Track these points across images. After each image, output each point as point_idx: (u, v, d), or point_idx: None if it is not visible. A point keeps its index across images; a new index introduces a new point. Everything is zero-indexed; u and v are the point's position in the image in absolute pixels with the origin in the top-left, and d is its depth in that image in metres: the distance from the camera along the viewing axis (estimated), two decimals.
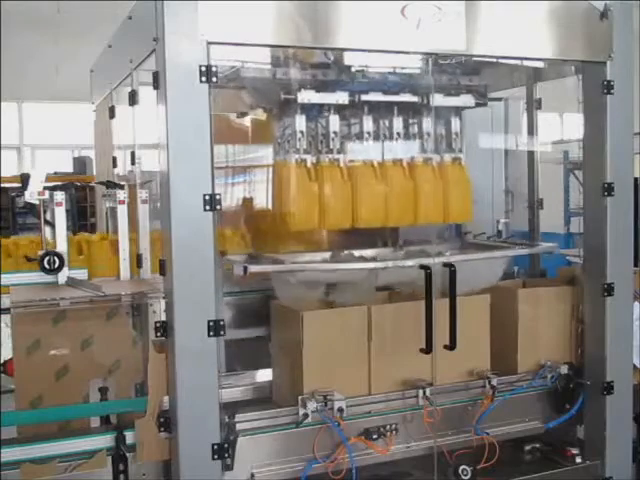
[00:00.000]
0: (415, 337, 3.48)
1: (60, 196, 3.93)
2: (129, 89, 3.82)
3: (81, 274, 3.93)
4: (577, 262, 4.13)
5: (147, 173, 4.05)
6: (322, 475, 3.38)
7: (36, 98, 15.91)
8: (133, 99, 3.82)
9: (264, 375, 3.74)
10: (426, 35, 3.35)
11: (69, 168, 15.44)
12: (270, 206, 3.99)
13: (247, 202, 4.29)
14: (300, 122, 3.71)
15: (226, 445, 3.14)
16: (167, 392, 3.17)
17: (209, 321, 3.04)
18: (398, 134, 3.93)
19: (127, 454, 3.23)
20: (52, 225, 3.92)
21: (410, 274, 3.60)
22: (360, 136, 3.88)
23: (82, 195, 13.36)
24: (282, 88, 3.62)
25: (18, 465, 3.12)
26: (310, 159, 3.72)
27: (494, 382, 3.67)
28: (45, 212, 3.91)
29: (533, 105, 4.55)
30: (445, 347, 3.51)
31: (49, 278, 3.83)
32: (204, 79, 2.99)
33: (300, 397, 3.35)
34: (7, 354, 3.64)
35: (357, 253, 3.90)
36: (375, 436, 3.47)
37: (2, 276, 3.72)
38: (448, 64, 3.81)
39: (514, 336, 3.88)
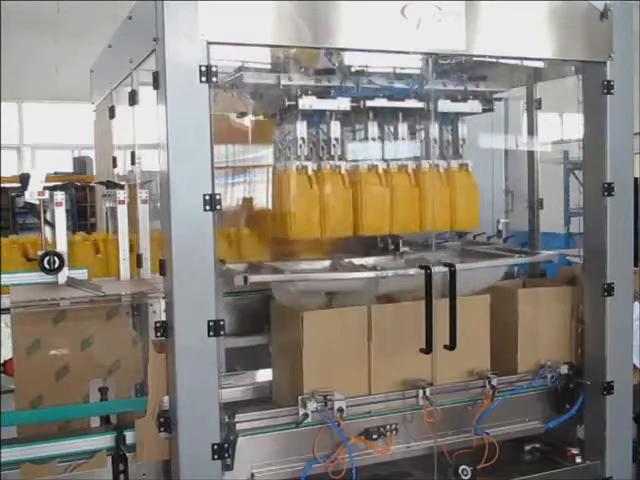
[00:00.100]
0: (415, 337, 3.48)
1: (60, 196, 3.93)
2: (129, 89, 3.82)
3: (81, 274, 3.92)
4: (577, 262, 4.13)
5: (147, 173, 4.05)
6: (322, 475, 3.38)
7: (36, 98, 15.90)
8: (133, 99, 3.82)
9: (264, 375, 3.74)
10: (426, 35, 3.35)
11: (69, 168, 15.42)
12: (270, 207, 3.99)
13: (247, 202, 4.29)
14: (301, 128, 3.70)
15: (226, 445, 3.14)
16: (167, 392, 3.17)
17: (209, 321, 3.04)
18: (403, 139, 3.92)
19: (127, 454, 3.23)
20: (52, 225, 3.91)
21: (410, 282, 3.59)
22: (364, 142, 3.87)
23: (82, 195, 13.35)
24: (285, 94, 3.60)
25: (18, 465, 3.13)
26: (311, 166, 3.70)
27: (494, 382, 3.67)
28: (45, 212, 3.91)
29: (533, 105, 4.55)
30: (445, 347, 3.50)
31: (49, 278, 3.83)
32: (204, 79, 2.99)
33: (300, 397, 3.35)
34: (7, 354, 3.64)
35: (357, 261, 3.89)
36: (375, 436, 3.47)
37: (2, 276, 3.72)
38: (454, 69, 3.81)
39: (514, 336, 3.88)
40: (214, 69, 3.00)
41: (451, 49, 3.48)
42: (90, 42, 7.15)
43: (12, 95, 14.76)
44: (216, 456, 3.11)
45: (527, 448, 3.95)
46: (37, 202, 3.92)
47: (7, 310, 3.62)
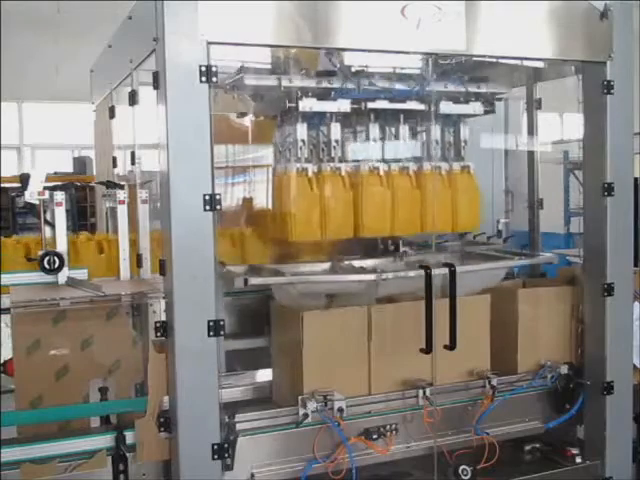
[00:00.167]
0: (415, 337, 3.48)
1: (60, 196, 3.92)
2: (129, 89, 3.81)
3: (81, 274, 3.92)
4: (577, 262, 4.13)
5: (147, 173, 4.05)
6: (322, 475, 3.38)
7: (36, 98, 15.90)
8: (133, 99, 3.82)
9: (264, 375, 3.74)
10: (426, 35, 3.35)
11: (69, 168, 15.41)
12: (270, 207, 3.99)
13: (247, 202, 4.29)
14: (302, 130, 3.68)
15: (226, 445, 3.14)
16: (167, 392, 3.17)
17: (209, 321, 3.04)
18: (404, 141, 3.91)
19: (127, 454, 3.23)
20: (52, 225, 3.91)
21: (410, 285, 3.58)
22: (365, 144, 3.86)
23: (82, 195, 13.34)
24: (285, 96, 3.59)
25: (18, 465, 3.13)
26: (312, 168, 3.68)
27: (494, 382, 3.67)
28: (45, 212, 3.91)
29: (533, 105, 4.55)
30: (445, 347, 3.50)
31: (49, 278, 3.83)
32: (204, 79, 2.99)
33: (300, 397, 3.35)
34: (7, 354, 3.64)
35: (357, 263, 3.89)
36: (375, 436, 3.47)
37: (2, 276, 3.72)
38: (454, 69, 3.80)
39: (514, 336, 3.88)
40: (214, 69, 3.00)
41: (451, 49, 3.48)
42: (90, 42, 7.15)
43: (12, 95, 14.75)
44: (216, 456, 3.11)
45: (527, 448, 3.95)
46: (37, 202, 3.92)
47: (7, 310, 3.62)
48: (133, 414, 3.27)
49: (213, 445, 3.10)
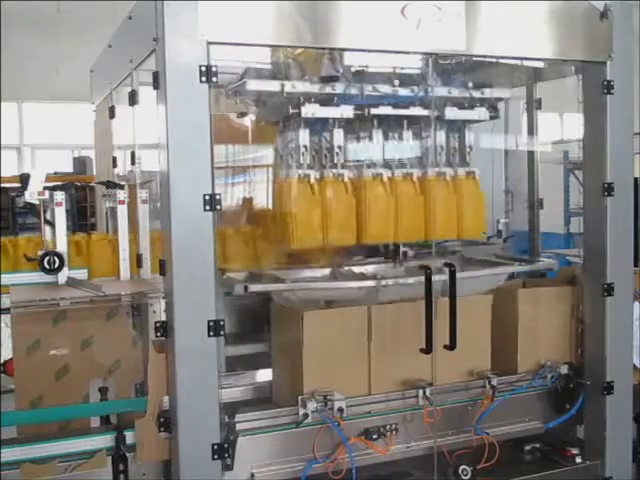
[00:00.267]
0: (415, 337, 3.48)
1: (60, 196, 3.93)
2: (129, 89, 3.82)
3: (81, 274, 3.92)
4: (577, 262, 4.13)
5: (147, 173, 4.05)
6: (322, 475, 3.38)
7: (36, 98, 15.89)
8: (133, 99, 3.82)
9: (264, 375, 3.73)
10: (426, 35, 3.35)
11: (69, 168, 15.40)
12: (270, 207, 3.98)
13: (247, 202, 4.29)
14: (304, 136, 3.66)
15: (226, 445, 3.14)
16: (167, 392, 3.17)
17: (209, 321, 3.04)
18: (408, 147, 3.88)
19: (127, 454, 3.23)
20: (52, 225, 3.91)
21: (410, 291, 3.58)
22: (368, 150, 3.84)
23: (82, 195, 13.33)
24: (288, 102, 3.57)
25: (18, 465, 3.12)
26: (314, 174, 3.66)
27: (494, 382, 3.67)
28: (45, 212, 3.91)
29: (533, 105, 4.55)
30: (445, 347, 3.50)
31: (49, 278, 3.83)
32: (204, 79, 2.99)
33: (300, 397, 3.35)
34: (7, 354, 3.64)
35: (357, 269, 3.88)
36: (375, 436, 3.47)
37: (2, 276, 3.72)
38: (454, 70, 3.79)
39: (514, 336, 3.88)
40: (214, 69, 3.00)
41: (451, 49, 3.48)
42: (90, 42, 7.15)
43: (12, 95, 14.75)
44: (216, 456, 3.11)
45: (527, 448, 3.95)
46: (37, 202, 3.92)
47: (7, 310, 3.62)
48: (133, 414, 3.26)
49: (213, 445, 3.10)
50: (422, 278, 3.45)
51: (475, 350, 3.75)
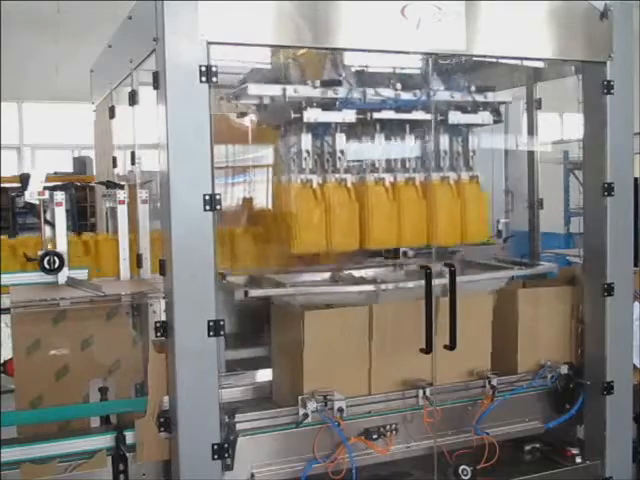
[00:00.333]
0: (416, 337, 3.47)
1: (60, 196, 3.93)
2: (129, 89, 3.82)
3: (81, 274, 3.92)
4: (577, 262, 4.13)
5: (147, 173, 4.05)
6: (322, 475, 3.38)
7: (36, 98, 15.89)
8: (133, 99, 3.82)
9: (264, 375, 3.73)
10: (426, 35, 3.35)
11: (69, 168, 15.40)
12: (269, 208, 3.98)
13: (247, 202, 4.29)
14: (306, 141, 3.64)
15: (226, 445, 3.14)
16: (167, 392, 3.17)
17: (209, 321, 3.04)
18: (410, 151, 3.85)
19: (127, 454, 3.23)
20: (52, 225, 3.91)
21: (410, 295, 3.57)
22: (371, 154, 3.82)
23: (82, 195, 13.31)
24: (290, 106, 3.56)
25: (18, 465, 3.13)
26: (316, 179, 3.64)
27: (494, 382, 3.67)
28: (45, 212, 3.91)
29: (533, 105, 4.55)
30: (445, 347, 3.50)
31: (49, 278, 3.83)
32: (204, 79, 2.99)
33: (300, 397, 3.35)
34: (7, 354, 3.64)
35: (357, 273, 3.87)
36: (375, 436, 3.47)
37: (2, 276, 3.72)
38: (454, 69, 3.78)
39: (514, 336, 3.88)
40: (214, 69, 3.00)
41: (451, 49, 3.48)
42: (90, 42, 7.15)
43: (12, 95, 14.75)
44: (216, 456, 3.11)
45: (527, 448, 3.95)
46: (37, 202, 3.92)
47: (7, 310, 3.62)
48: (133, 414, 3.26)
49: (213, 445, 3.10)
50: (422, 282, 3.45)
51: (476, 350, 3.75)
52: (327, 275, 3.89)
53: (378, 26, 3.29)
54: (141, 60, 3.42)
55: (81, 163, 15.00)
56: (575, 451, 3.87)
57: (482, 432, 3.65)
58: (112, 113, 4.30)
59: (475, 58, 3.73)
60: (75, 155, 16.01)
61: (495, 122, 3.97)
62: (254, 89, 3.56)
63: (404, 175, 3.81)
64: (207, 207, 3.01)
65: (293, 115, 3.55)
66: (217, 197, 3.03)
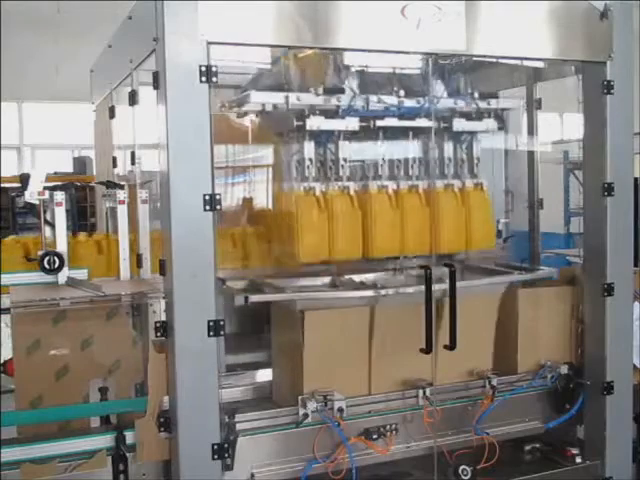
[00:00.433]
0: (416, 337, 3.47)
1: (60, 196, 3.92)
2: (129, 89, 3.82)
3: (81, 274, 3.92)
4: (577, 262, 4.13)
5: (147, 173, 4.04)
6: (322, 475, 3.38)
7: (36, 98, 15.90)
8: (133, 99, 3.82)
9: (264, 375, 3.74)
10: (426, 35, 3.35)
11: (69, 168, 15.41)
12: (269, 208, 3.97)
13: (247, 202, 4.29)
14: (309, 149, 3.62)
15: (226, 445, 3.14)
16: (167, 392, 3.17)
17: (209, 321, 3.04)
18: (413, 159, 3.84)
19: (127, 454, 3.23)
20: (52, 225, 3.91)
21: (411, 299, 3.57)
22: (375, 162, 3.81)
23: (82, 195, 13.32)
24: (292, 114, 3.55)
25: (18, 465, 3.13)
26: (319, 187, 3.62)
27: (494, 382, 3.67)
28: (45, 212, 3.91)
29: (533, 105, 4.55)
30: (445, 347, 3.50)
31: (49, 278, 3.83)
32: (204, 79, 2.99)
33: (300, 397, 3.35)
34: (7, 354, 3.64)
35: (357, 278, 3.86)
36: (375, 436, 3.47)
37: (2, 276, 3.72)
38: (454, 69, 3.78)
39: (514, 336, 3.87)
40: (214, 69, 3.00)
41: (451, 49, 3.48)
42: (90, 42, 7.15)
43: (12, 95, 14.76)
44: (216, 456, 3.11)
45: (527, 448, 3.95)
46: (37, 202, 3.92)
47: (7, 310, 3.62)
48: (133, 414, 3.27)
49: (213, 445, 3.10)
50: (422, 287, 3.45)
51: (477, 351, 3.75)
52: (327, 280, 3.88)
53: (378, 26, 3.29)
54: (141, 60, 3.42)
55: (81, 163, 15.01)
56: (575, 451, 3.87)
57: (482, 432, 3.65)
58: (112, 113, 4.30)
59: (475, 58, 3.73)
60: (75, 155, 16.02)
61: (499, 129, 3.97)
62: (256, 97, 3.56)
63: (407, 182, 3.80)
64: (207, 207, 3.01)
65: (296, 123, 3.54)
66: (217, 197, 3.03)
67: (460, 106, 3.83)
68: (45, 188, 3.98)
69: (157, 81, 3.07)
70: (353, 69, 3.74)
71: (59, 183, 11.51)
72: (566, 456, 3.88)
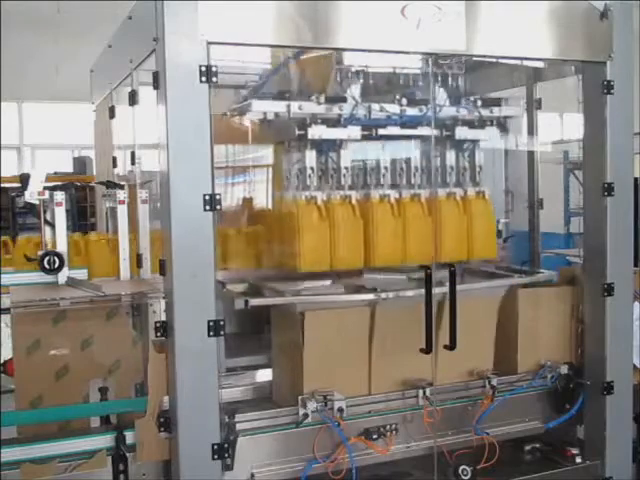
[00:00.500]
0: (416, 337, 3.47)
1: (60, 196, 3.92)
2: (129, 89, 3.82)
3: (81, 274, 3.92)
4: (577, 262, 4.13)
5: (147, 173, 4.04)
6: (322, 475, 3.38)
7: (36, 98, 15.89)
8: (133, 99, 3.82)
9: (264, 375, 3.74)
10: (426, 35, 3.35)
11: (69, 168, 15.40)
12: (269, 208, 3.97)
13: (247, 202, 4.29)
14: (310, 157, 3.61)
15: (226, 445, 3.14)
16: (167, 392, 3.17)
17: (209, 321, 3.04)
18: (416, 167, 3.82)
19: (127, 454, 3.23)
20: (52, 225, 3.91)
21: (409, 303, 3.57)
22: (377, 170, 3.80)
23: (82, 195, 13.32)
24: (294, 123, 3.53)
25: (18, 465, 3.13)
26: (321, 196, 3.60)
27: (494, 382, 3.67)
28: (45, 212, 3.91)
29: (533, 105, 4.55)
30: (445, 347, 3.50)
31: (49, 278, 3.83)
32: (204, 79, 2.99)
33: (300, 397, 3.35)
34: (7, 354, 3.64)
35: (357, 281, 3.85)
36: (375, 436, 3.47)
37: (2, 276, 3.72)
38: (454, 70, 3.78)
39: (514, 336, 3.88)
40: (214, 69, 3.00)
41: (451, 49, 3.48)
42: (90, 42, 7.15)
43: (12, 95, 14.75)
44: (216, 456, 3.11)
45: (527, 448, 3.95)
46: (37, 202, 3.92)
47: (7, 310, 3.62)
48: (133, 414, 3.27)
49: (213, 445, 3.10)
50: (422, 291, 3.45)
51: (477, 351, 3.75)
52: (328, 282, 3.87)
53: (378, 26, 3.29)
54: (141, 60, 3.42)
55: (81, 163, 15.00)
56: (575, 451, 3.88)
57: (482, 432, 3.65)
58: (112, 113, 4.30)
59: (475, 58, 3.73)
60: (75, 155, 16.01)
61: (502, 137, 3.97)
62: (258, 105, 3.55)
63: (409, 191, 3.78)
64: (207, 207, 3.01)
65: (297, 132, 3.53)
66: (217, 197, 3.03)
67: (463, 114, 3.82)
68: (45, 188, 3.98)
69: (157, 81, 3.07)
70: (355, 77, 3.69)
71: (59, 183, 11.51)
72: (566, 456, 3.88)
